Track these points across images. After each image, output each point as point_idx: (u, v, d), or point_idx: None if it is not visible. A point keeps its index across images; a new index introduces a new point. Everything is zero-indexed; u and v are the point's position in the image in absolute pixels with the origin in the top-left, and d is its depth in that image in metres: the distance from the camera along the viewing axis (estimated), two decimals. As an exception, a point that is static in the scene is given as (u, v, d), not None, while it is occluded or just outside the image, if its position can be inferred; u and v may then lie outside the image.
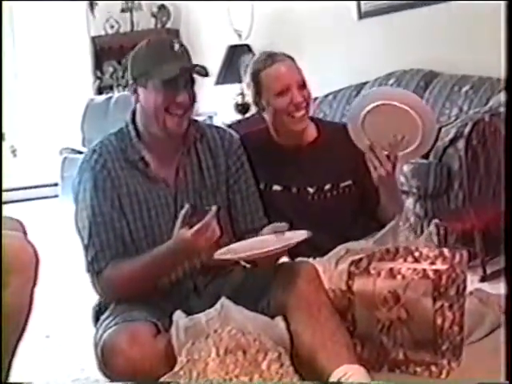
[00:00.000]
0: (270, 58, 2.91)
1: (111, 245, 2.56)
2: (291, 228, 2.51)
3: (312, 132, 2.99)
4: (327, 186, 2.95)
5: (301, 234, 2.43)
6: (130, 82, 2.65)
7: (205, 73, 2.59)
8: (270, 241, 2.45)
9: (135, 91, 2.63)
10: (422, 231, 4.30)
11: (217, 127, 2.88)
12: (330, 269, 2.69)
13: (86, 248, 2.59)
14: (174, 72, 2.50)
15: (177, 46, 2.59)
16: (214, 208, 2.40)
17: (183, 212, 2.41)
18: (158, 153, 2.65)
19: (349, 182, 2.95)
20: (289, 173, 2.95)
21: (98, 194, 2.58)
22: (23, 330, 2.50)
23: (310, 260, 2.72)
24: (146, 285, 2.55)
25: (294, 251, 2.55)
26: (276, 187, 2.95)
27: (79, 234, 2.65)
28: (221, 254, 2.41)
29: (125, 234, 2.59)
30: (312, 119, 3.02)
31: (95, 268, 2.56)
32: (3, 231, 2.43)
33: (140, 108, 2.64)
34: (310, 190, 2.95)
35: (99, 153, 2.64)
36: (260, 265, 2.51)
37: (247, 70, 2.96)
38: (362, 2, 6.29)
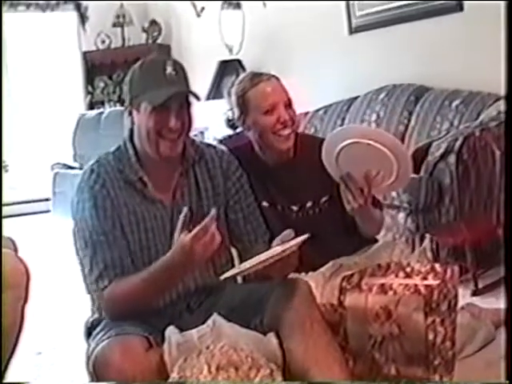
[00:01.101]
0: (256, 77, 2.91)
1: (115, 263, 2.53)
2: None
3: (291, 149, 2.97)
4: (309, 204, 2.94)
5: (300, 238, 2.43)
6: (126, 103, 2.64)
7: (195, 97, 2.58)
8: (276, 251, 2.42)
9: (130, 113, 2.62)
10: (413, 245, 4.31)
11: (215, 148, 2.85)
12: (322, 284, 2.70)
13: (90, 267, 2.55)
14: (163, 98, 2.49)
15: (169, 69, 2.55)
16: (212, 211, 2.38)
17: (182, 216, 2.39)
18: (156, 173, 2.63)
19: (327, 197, 2.93)
20: (273, 191, 2.94)
21: (99, 213, 2.56)
22: (15, 346, 2.49)
23: (303, 275, 2.72)
24: (149, 300, 2.53)
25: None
26: (264, 204, 2.94)
27: (78, 252, 2.62)
28: (231, 272, 2.40)
29: (126, 253, 2.57)
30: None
31: (100, 286, 2.53)
32: None
33: (136, 129, 2.63)
34: (294, 207, 2.94)
35: (97, 172, 2.61)
36: (272, 276, 2.49)
37: (231, 91, 2.96)
38: (352, 17, 6.31)
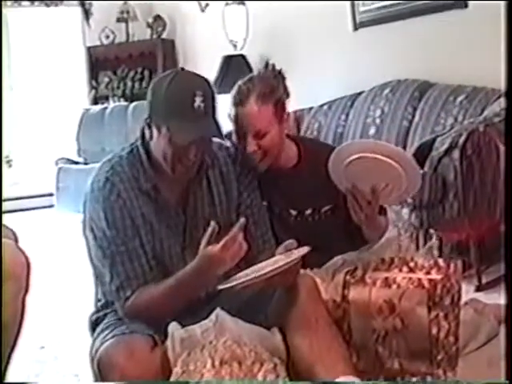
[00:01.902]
0: (238, 97, 2.78)
1: (137, 273, 2.51)
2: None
3: (293, 157, 2.92)
4: (308, 211, 2.90)
5: (302, 250, 2.42)
6: (147, 115, 2.55)
7: (220, 137, 2.56)
8: (279, 261, 2.40)
9: (149, 126, 2.54)
10: (417, 241, 4.31)
11: (228, 149, 2.80)
12: (326, 280, 2.69)
13: (111, 277, 2.53)
14: (187, 140, 2.44)
15: (198, 101, 2.44)
16: (241, 220, 2.37)
17: (209, 230, 2.36)
18: (169, 180, 2.60)
19: (330, 207, 2.90)
20: (271, 194, 2.87)
21: (117, 223, 2.53)
22: (17, 338, 2.49)
23: (308, 270, 2.72)
24: (173, 307, 2.50)
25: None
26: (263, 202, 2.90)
27: (94, 260, 2.61)
28: (231, 280, 2.37)
29: (145, 263, 2.54)
30: (295, 141, 2.96)
31: (121, 296, 2.52)
32: None
33: (152, 143, 2.56)
34: (293, 212, 2.90)
35: (112, 182, 2.56)
36: (277, 285, 2.46)
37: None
38: (356, 13, 6.30)
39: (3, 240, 2.50)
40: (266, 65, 2.87)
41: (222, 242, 2.31)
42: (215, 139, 2.65)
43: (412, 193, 2.82)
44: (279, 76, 2.88)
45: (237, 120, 2.76)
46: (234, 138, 2.81)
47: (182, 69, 2.69)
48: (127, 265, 2.52)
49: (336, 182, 2.75)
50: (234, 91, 2.80)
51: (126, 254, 2.52)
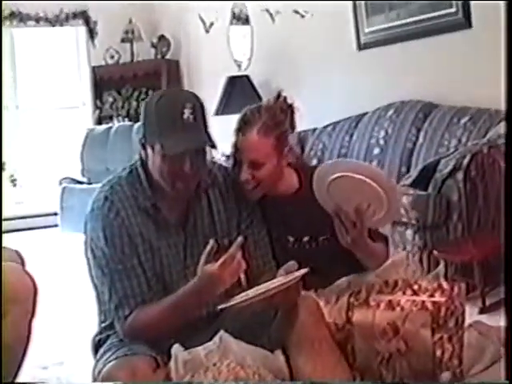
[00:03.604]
0: (242, 123, 2.77)
1: (135, 292, 2.52)
2: None
3: (294, 183, 2.91)
4: (305, 238, 2.88)
5: (303, 270, 2.42)
6: (141, 135, 2.59)
7: (211, 146, 2.54)
8: (277, 283, 2.39)
9: (144, 147, 2.58)
10: (421, 262, 4.31)
11: (227, 169, 2.81)
12: (330, 302, 2.69)
13: (109, 295, 2.54)
14: (179, 151, 2.45)
15: (187, 113, 2.47)
16: (239, 239, 2.38)
17: (208, 248, 2.38)
18: (168, 198, 2.61)
19: (326, 236, 2.86)
20: (269, 218, 2.86)
21: (115, 242, 2.54)
22: (22, 360, 2.49)
23: (312, 292, 2.71)
24: (173, 326, 2.50)
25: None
26: None
27: (94, 279, 2.62)
28: (232, 300, 2.37)
29: (143, 281, 2.55)
30: (296, 168, 2.93)
31: (120, 315, 2.52)
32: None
33: (149, 162, 2.58)
34: (290, 238, 2.88)
35: (111, 200, 2.58)
36: (278, 304, 2.45)
37: None
38: (361, 34, 6.32)
39: (10, 263, 2.50)
40: (278, 96, 2.84)
41: (220, 260, 2.33)
42: (214, 161, 2.67)
43: (393, 217, 2.82)
44: (288, 110, 2.84)
45: (236, 146, 2.76)
46: (230, 161, 2.82)
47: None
48: (125, 283, 2.52)
49: (322, 204, 2.74)
50: (239, 116, 2.80)
51: (124, 272, 2.53)
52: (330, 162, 2.92)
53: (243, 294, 2.39)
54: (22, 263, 2.68)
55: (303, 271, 2.42)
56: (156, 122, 2.51)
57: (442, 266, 3.00)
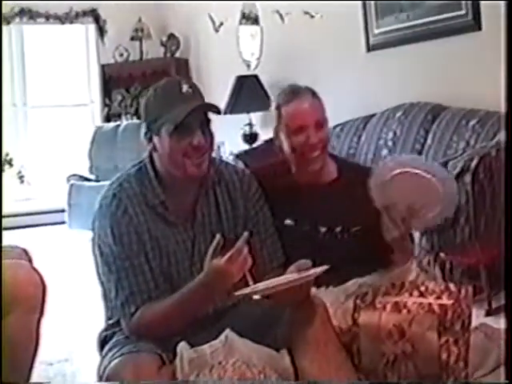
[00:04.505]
0: (292, 93, 2.86)
1: (141, 289, 2.52)
2: None
3: (332, 172, 2.94)
4: (338, 229, 2.89)
5: (318, 269, 2.40)
6: (144, 130, 2.61)
7: (216, 111, 2.56)
8: (291, 277, 2.39)
9: (150, 140, 2.59)
10: (428, 264, 4.30)
11: (235, 167, 2.84)
12: (337, 303, 2.69)
13: (116, 292, 2.55)
14: (184, 115, 2.46)
15: (185, 88, 2.54)
16: (245, 234, 2.39)
17: (215, 243, 2.38)
18: (177, 196, 2.62)
19: (360, 227, 2.88)
20: (302, 209, 2.88)
21: (123, 239, 2.54)
22: (33, 358, 2.48)
23: (322, 289, 2.71)
24: (180, 323, 2.50)
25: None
26: (288, 221, 2.89)
27: (101, 276, 2.62)
28: (244, 290, 2.36)
29: (150, 279, 2.55)
30: (335, 158, 2.98)
31: (126, 312, 2.53)
32: (8, 260, 2.43)
33: (158, 154, 2.59)
34: (322, 229, 2.89)
35: (119, 197, 2.59)
36: (286, 302, 2.44)
37: (274, 100, 2.94)
38: (370, 35, 6.32)
39: (18, 261, 2.50)
40: None
41: (227, 255, 2.33)
42: (221, 159, 2.67)
43: (447, 214, 2.81)
44: None
45: (294, 114, 2.82)
46: (283, 138, 2.86)
47: None
48: (132, 280, 2.53)
49: (374, 197, 2.74)
50: (280, 92, 2.91)
51: (130, 270, 2.53)
52: (392, 157, 2.93)
53: (252, 286, 2.38)
54: (30, 261, 2.68)
55: (321, 269, 2.39)
56: (157, 104, 2.56)
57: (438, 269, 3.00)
